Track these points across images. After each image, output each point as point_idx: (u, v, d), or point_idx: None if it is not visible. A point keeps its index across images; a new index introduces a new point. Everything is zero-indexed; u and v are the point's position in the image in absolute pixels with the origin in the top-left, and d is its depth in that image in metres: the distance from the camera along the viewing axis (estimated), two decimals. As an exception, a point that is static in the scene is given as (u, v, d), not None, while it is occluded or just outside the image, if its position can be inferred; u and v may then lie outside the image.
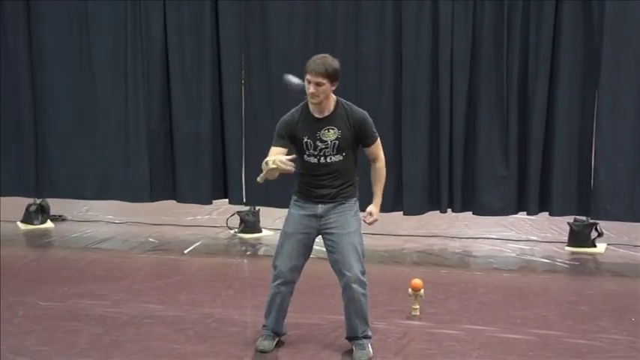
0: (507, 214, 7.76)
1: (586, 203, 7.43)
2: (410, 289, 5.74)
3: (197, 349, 5.16)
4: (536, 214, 7.67)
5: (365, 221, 4.94)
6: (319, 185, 4.89)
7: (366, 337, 5.02)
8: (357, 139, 4.88)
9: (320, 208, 4.90)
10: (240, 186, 8.16)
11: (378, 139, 4.94)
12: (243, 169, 8.14)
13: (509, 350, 5.16)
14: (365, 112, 4.89)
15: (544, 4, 7.26)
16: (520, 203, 7.59)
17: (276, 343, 5.15)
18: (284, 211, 8.42)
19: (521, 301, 6.23)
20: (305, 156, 4.88)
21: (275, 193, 7.93)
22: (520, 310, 5.98)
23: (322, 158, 4.84)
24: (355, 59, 7.64)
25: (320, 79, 4.67)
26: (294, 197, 5.05)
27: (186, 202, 8.34)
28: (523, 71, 7.41)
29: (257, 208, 8.37)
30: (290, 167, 4.61)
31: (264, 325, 5.18)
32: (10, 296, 6.25)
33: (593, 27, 7.21)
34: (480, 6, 7.42)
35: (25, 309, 5.96)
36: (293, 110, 4.93)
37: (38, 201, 8.76)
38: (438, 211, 7.78)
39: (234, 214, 8.43)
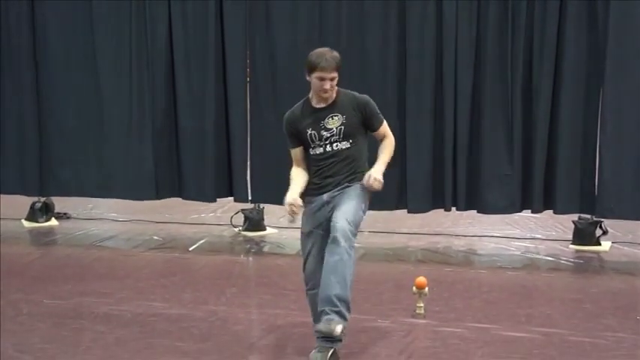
0: (512, 212, 7.74)
1: (590, 201, 7.41)
2: (414, 287, 5.73)
3: (201, 347, 5.16)
4: (541, 212, 7.66)
5: (366, 184, 4.67)
6: (326, 174, 4.80)
7: (339, 313, 4.53)
8: (364, 124, 4.84)
9: (326, 196, 4.81)
10: (245, 184, 8.16)
11: (385, 122, 4.93)
12: (249, 167, 8.14)
13: (514, 348, 5.15)
14: (367, 96, 4.90)
15: (549, 4, 7.24)
16: (524, 201, 7.57)
17: (332, 354, 4.68)
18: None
19: (525, 299, 6.22)
20: (311, 149, 4.84)
21: (280, 190, 7.96)
22: (524, 308, 5.97)
23: (328, 146, 4.78)
24: (359, 58, 7.64)
25: (334, 74, 4.72)
26: (306, 198, 4.91)
27: (191, 200, 8.34)
28: (527, 69, 7.39)
29: (261, 206, 8.37)
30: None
31: (315, 331, 4.81)
32: (15, 294, 6.26)
33: (598, 26, 7.18)
34: (484, 6, 7.41)
35: (30, 307, 5.97)
36: (294, 106, 4.93)
37: (43, 199, 8.77)
38: (442, 209, 7.77)
39: (238, 212, 8.44)
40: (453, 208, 7.74)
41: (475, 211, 7.74)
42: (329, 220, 4.73)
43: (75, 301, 6.12)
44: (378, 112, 4.90)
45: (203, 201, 8.31)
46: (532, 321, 5.66)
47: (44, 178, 8.51)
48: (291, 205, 4.69)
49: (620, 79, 7.18)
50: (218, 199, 8.30)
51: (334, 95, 4.82)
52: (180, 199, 8.38)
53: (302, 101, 4.93)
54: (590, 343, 5.23)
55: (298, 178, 4.91)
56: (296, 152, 4.93)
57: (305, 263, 4.90)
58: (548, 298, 6.30)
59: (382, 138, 4.94)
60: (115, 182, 8.34)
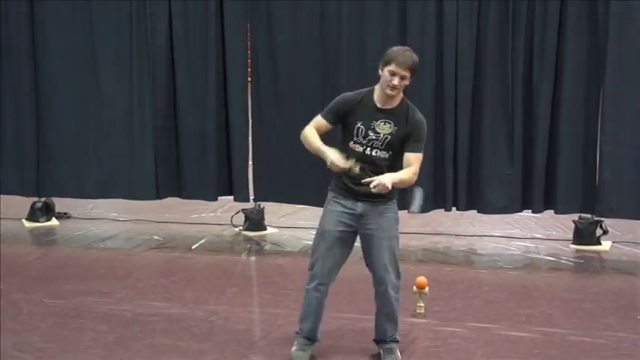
0: (512, 212, 7.73)
1: (591, 201, 7.41)
2: (414, 287, 5.73)
3: (201, 347, 5.17)
4: (541, 211, 7.65)
5: (373, 186, 4.47)
6: (358, 181, 4.60)
7: (395, 340, 4.95)
8: (405, 140, 4.63)
9: (360, 207, 4.69)
10: (246, 183, 8.15)
11: (421, 157, 4.67)
12: (250, 166, 8.14)
13: (514, 348, 5.16)
14: (425, 121, 4.70)
15: (549, 4, 7.24)
16: (525, 201, 7.57)
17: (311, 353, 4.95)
18: (290, 208, 8.59)
19: (526, 299, 6.22)
20: (351, 143, 4.65)
21: (282, 189, 7.99)
22: (525, 307, 5.98)
23: (368, 149, 4.62)
24: (360, 58, 7.63)
25: (406, 73, 4.54)
26: (331, 194, 4.80)
27: (191, 199, 8.34)
28: (527, 69, 7.38)
29: (262, 205, 8.36)
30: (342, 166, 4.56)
31: (297, 332, 4.94)
32: (15, 293, 6.26)
33: (598, 26, 7.19)
34: (484, 6, 7.41)
35: (30, 306, 5.97)
36: (358, 91, 4.77)
37: (43, 199, 8.76)
38: (442, 209, 7.77)
39: (238, 212, 8.43)
40: (454, 208, 7.74)
41: (475, 210, 7.74)
42: (357, 229, 4.76)
43: (75, 300, 6.12)
44: (423, 142, 4.68)
45: (203, 200, 8.30)
46: (532, 321, 5.67)
47: (43, 179, 8.48)
48: (350, 165, 4.55)
49: (620, 79, 7.19)
50: (218, 199, 8.29)
51: (398, 101, 4.66)
52: (180, 198, 8.37)
53: (367, 90, 4.75)
54: (591, 342, 5.24)
55: (318, 140, 4.70)
56: (322, 124, 4.74)
57: (314, 263, 4.80)
58: (548, 297, 6.30)
59: (407, 166, 4.65)
60: (115, 182, 8.32)
